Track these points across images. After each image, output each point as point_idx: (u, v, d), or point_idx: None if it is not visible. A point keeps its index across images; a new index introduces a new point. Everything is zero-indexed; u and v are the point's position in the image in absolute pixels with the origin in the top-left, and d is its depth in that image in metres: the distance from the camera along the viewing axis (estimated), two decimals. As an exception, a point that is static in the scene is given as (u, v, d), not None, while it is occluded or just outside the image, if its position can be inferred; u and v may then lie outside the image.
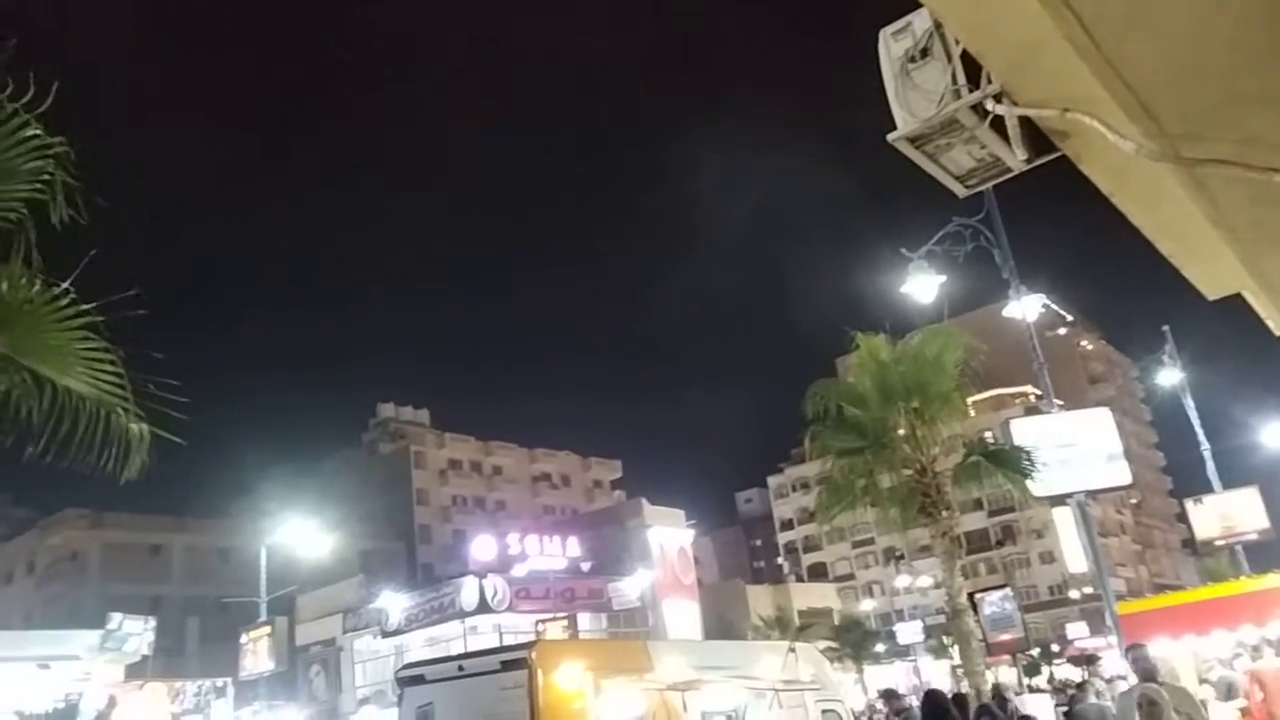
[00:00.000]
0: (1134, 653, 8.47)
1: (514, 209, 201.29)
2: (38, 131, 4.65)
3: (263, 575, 34.60)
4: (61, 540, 54.96)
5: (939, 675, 53.40)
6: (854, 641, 47.03)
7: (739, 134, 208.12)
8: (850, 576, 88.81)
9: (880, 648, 52.58)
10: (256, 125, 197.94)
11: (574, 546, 40.80)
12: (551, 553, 39.79)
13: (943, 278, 13.23)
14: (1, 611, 54.37)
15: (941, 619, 66.01)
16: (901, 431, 14.14)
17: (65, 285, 4.74)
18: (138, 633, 28.35)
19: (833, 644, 42.00)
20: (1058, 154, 4.09)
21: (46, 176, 4.75)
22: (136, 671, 28.82)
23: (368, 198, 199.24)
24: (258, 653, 36.06)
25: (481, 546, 38.50)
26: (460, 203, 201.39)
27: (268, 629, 36.04)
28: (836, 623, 51.34)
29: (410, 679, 11.27)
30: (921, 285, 13.21)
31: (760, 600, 52.41)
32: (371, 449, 78.71)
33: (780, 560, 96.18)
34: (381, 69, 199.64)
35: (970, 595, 14.91)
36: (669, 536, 44.09)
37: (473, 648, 27.37)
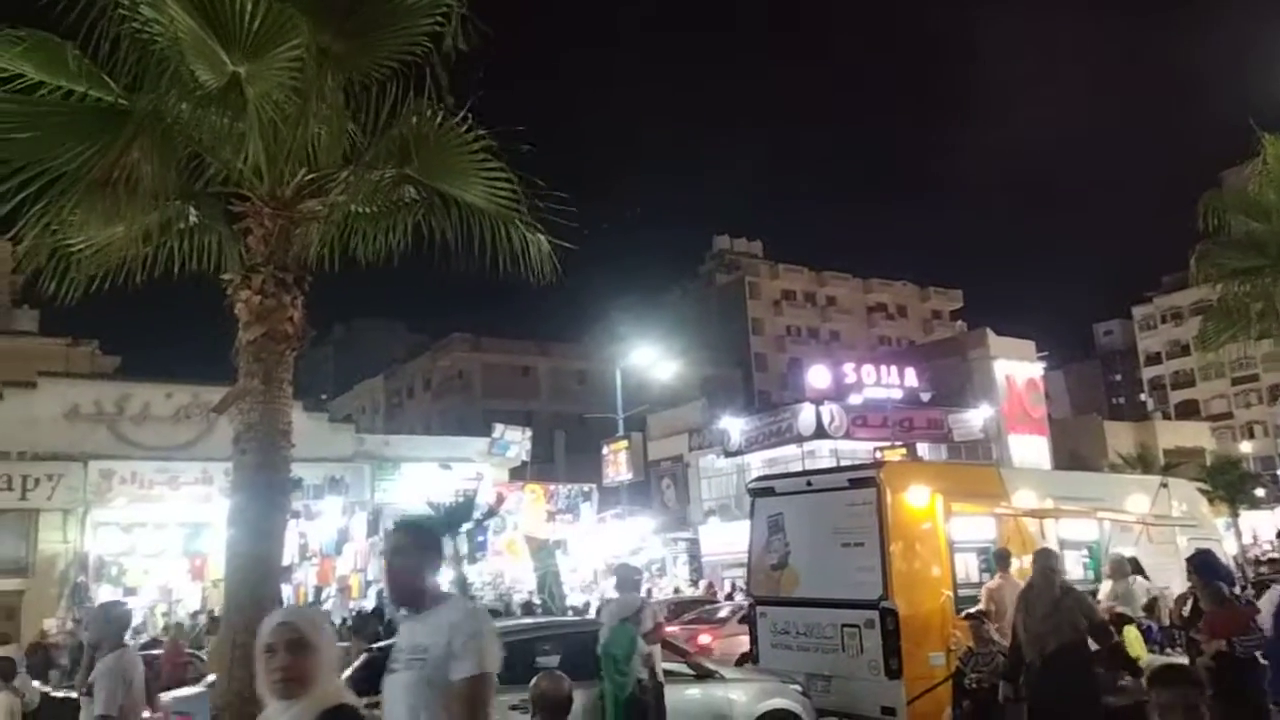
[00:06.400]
0: None
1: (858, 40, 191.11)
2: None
3: (618, 394, 37.69)
4: (450, 361, 63.05)
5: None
6: (1228, 484, 42.65)
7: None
8: (1227, 415, 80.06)
9: (1260, 492, 47.51)
10: None
11: (911, 377, 40.11)
12: (888, 383, 39.43)
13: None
14: (406, 420, 63.99)
15: (1338, 463, 58.09)
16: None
17: (464, 113, 5.25)
18: (517, 441, 32.12)
19: (1203, 485, 38.41)
20: None
21: (446, 7, 5.13)
22: (517, 475, 32.86)
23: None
24: (618, 463, 39.75)
25: (817, 374, 38.94)
26: (808, 47, 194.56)
27: (625, 443, 39.54)
28: (1209, 463, 46.79)
29: (761, 490, 11.83)
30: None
31: (1120, 437, 48.89)
32: (709, 280, 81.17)
33: (1144, 397, 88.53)
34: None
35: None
36: (1016, 368, 41.96)
37: (812, 470, 28.13)
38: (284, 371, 5.56)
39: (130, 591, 24.02)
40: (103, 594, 22.70)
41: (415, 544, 3.48)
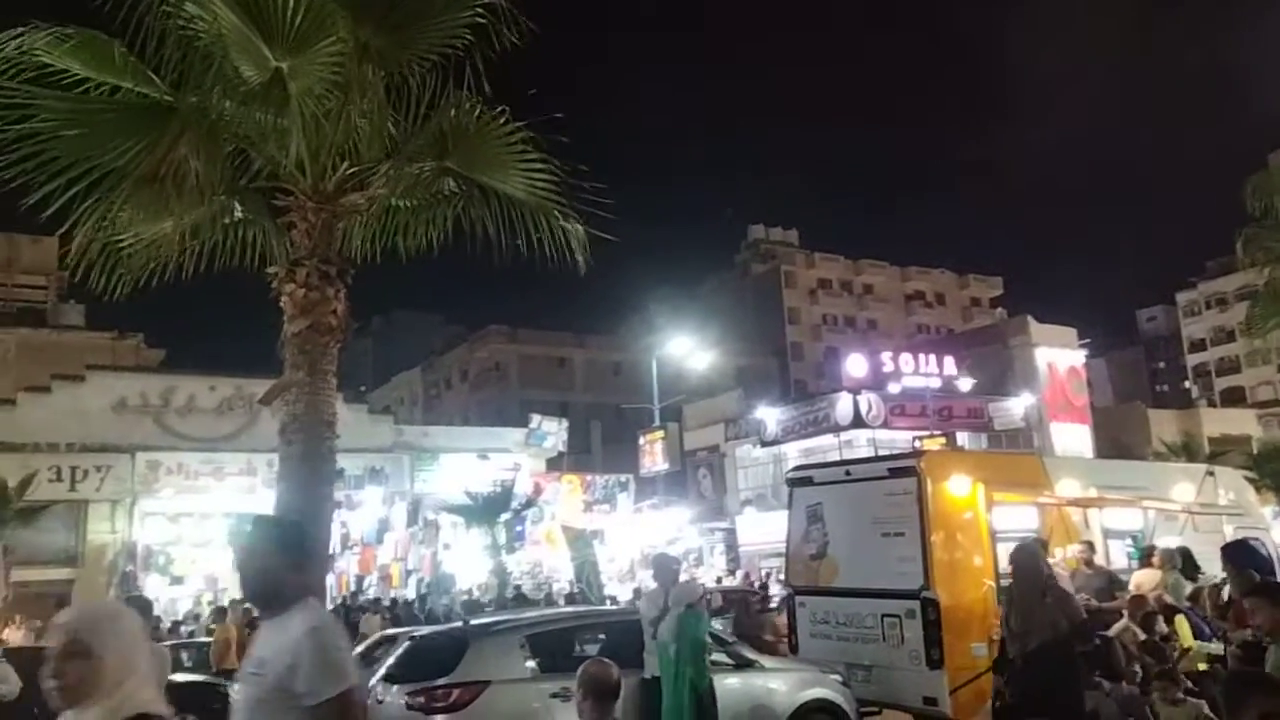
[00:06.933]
0: None
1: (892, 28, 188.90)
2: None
3: (654, 384, 37.67)
4: (487, 353, 63.41)
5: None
6: (1276, 472, 41.74)
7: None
8: (1274, 402, 78.21)
9: (1309, 481, 46.48)
10: None
11: (950, 366, 39.62)
12: (927, 371, 38.98)
13: None
14: (444, 411, 64.46)
15: (1392, 451, 56.61)
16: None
17: (502, 107, 5.27)
18: (553, 432, 32.30)
19: (1250, 473, 37.58)
20: None
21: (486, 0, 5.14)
22: (554, 465, 33.05)
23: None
24: (654, 453, 39.80)
25: (854, 363, 38.60)
26: (842, 42, 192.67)
27: (662, 433, 39.59)
28: (1255, 451, 45.84)
29: (799, 480, 11.78)
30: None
31: (1164, 425, 48.02)
32: (744, 270, 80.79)
33: (1188, 384, 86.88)
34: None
35: None
36: (1058, 356, 41.36)
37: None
38: (328, 363, 5.63)
39: (177, 580, 24.52)
40: (150, 583, 23.17)
41: (267, 542, 3.15)
